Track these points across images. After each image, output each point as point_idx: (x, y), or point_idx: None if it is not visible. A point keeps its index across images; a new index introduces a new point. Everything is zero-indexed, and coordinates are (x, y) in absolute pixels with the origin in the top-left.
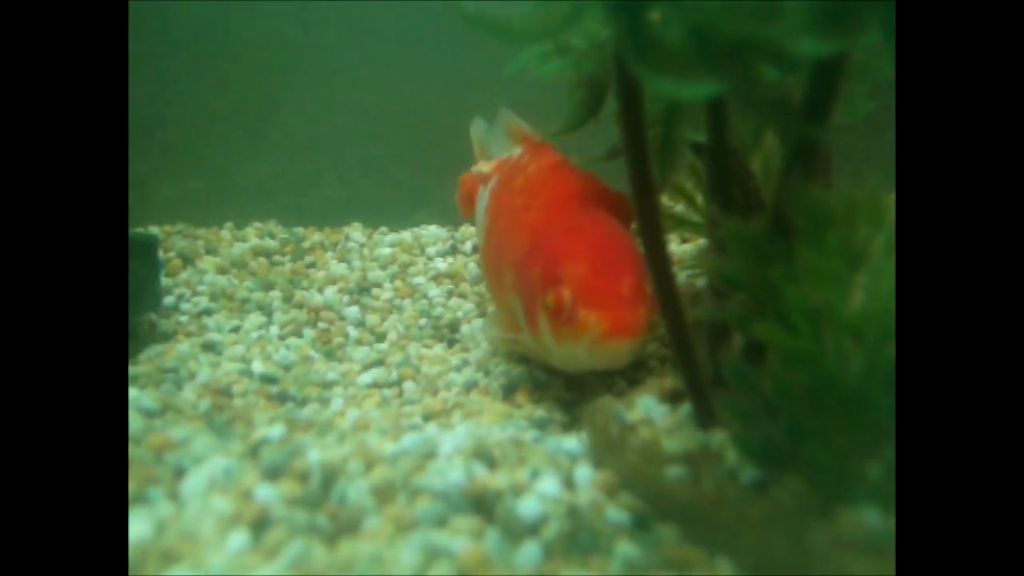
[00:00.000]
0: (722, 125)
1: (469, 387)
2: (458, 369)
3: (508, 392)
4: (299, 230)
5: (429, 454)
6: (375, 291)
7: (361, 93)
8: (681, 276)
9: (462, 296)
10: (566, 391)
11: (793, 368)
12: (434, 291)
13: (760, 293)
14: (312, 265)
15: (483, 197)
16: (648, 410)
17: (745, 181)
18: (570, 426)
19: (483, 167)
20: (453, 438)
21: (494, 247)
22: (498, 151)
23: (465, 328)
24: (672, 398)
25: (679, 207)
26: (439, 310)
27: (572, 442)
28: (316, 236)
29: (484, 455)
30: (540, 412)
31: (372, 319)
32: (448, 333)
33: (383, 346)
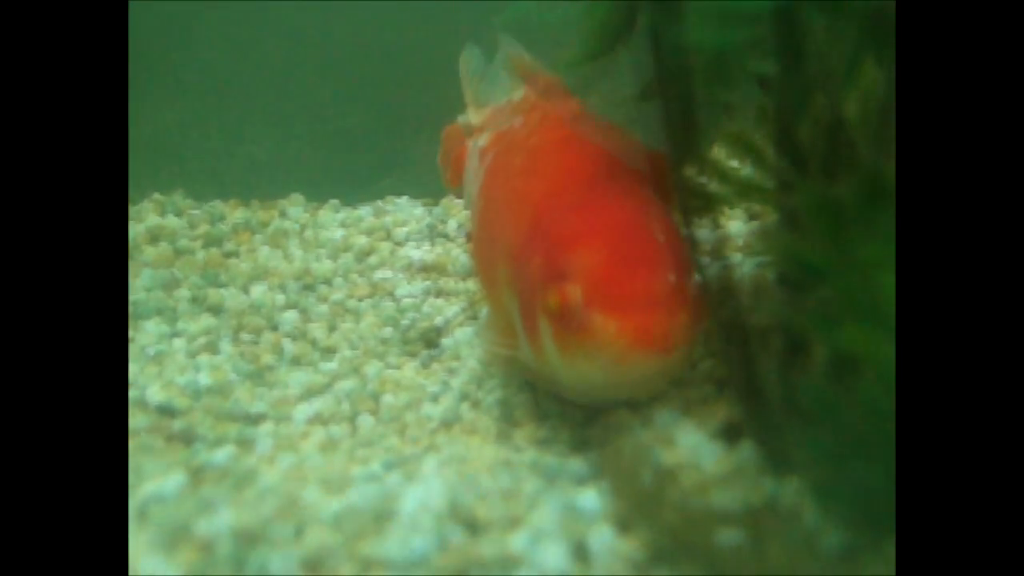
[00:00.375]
0: (796, 45)
1: (450, 422)
2: (435, 398)
3: (504, 429)
4: (216, 205)
5: (386, 513)
6: (322, 289)
7: (304, 13)
8: (746, 266)
9: (444, 296)
10: (586, 427)
11: (890, 388)
12: (405, 289)
13: (849, 284)
14: (234, 254)
15: (473, 158)
16: (695, 450)
17: (834, 129)
18: (589, 476)
19: (473, 117)
20: (421, 491)
21: (487, 229)
22: (495, 94)
23: (447, 341)
24: (728, 434)
25: (745, 169)
26: (411, 316)
27: (589, 495)
28: (240, 213)
29: (464, 514)
30: (548, 457)
31: (316, 328)
32: (423, 348)
33: (331, 366)
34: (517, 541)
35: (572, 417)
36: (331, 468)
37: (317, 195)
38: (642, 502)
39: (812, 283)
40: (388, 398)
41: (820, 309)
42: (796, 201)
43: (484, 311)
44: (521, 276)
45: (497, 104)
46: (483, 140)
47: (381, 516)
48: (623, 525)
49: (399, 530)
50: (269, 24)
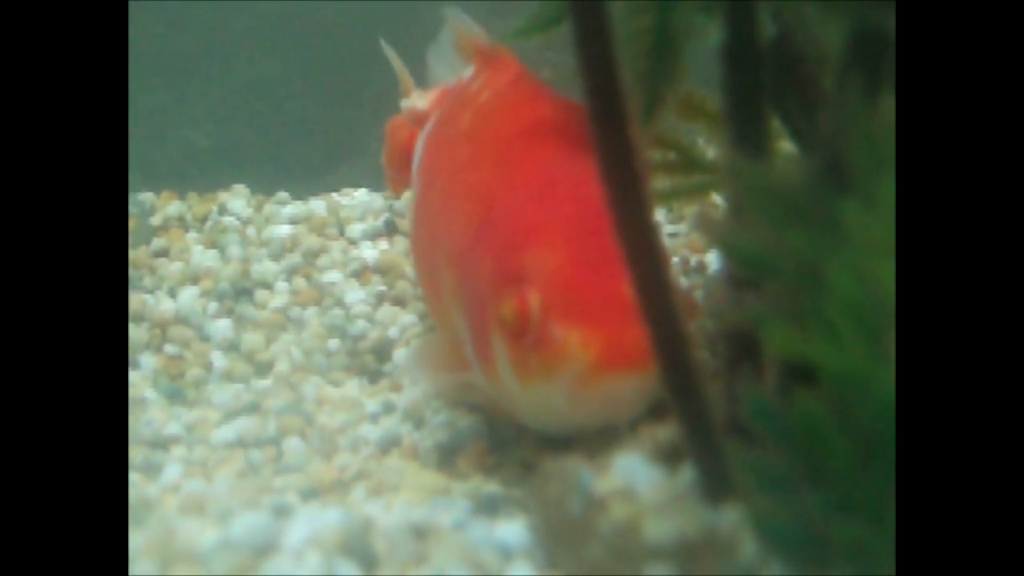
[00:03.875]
0: (747, 6)
1: (387, 446)
2: (374, 419)
3: (448, 454)
4: (147, 196)
5: (267, 547)
6: (260, 294)
7: None
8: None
9: (399, 303)
10: (541, 452)
11: (844, 401)
12: (356, 294)
13: (798, 278)
14: (163, 253)
15: (418, 151)
16: (630, 475)
17: (811, 104)
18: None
19: (418, 101)
20: (310, 522)
21: (427, 228)
22: (443, 74)
23: (400, 353)
24: (670, 456)
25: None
26: (361, 325)
27: (512, 528)
28: (173, 207)
29: (358, 548)
30: (492, 487)
31: (252, 339)
32: (373, 362)
33: (265, 383)
34: None
35: (530, 440)
36: (237, 498)
37: (263, 187)
38: (568, 534)
39: (758, 278)
40: (323, 419)
41: (766, 308)
42: (737, 183)
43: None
44: (468, 283)
45: (446, 84)
46: (429, 125)
47: (261, 550)
48: (548, 560)
49: (279, 566)
50: None
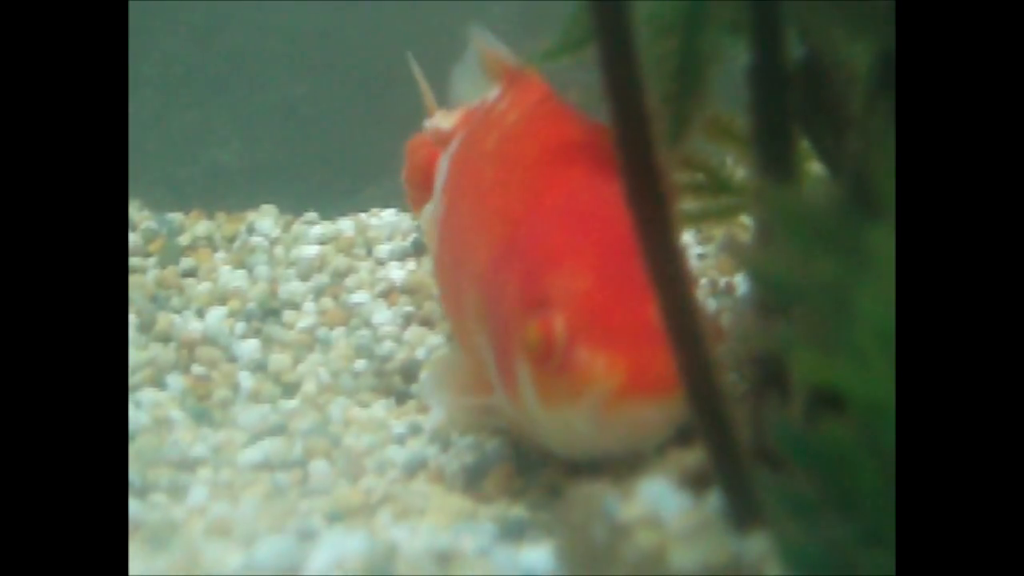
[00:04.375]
0: (774, 27)
1: (413, 469)
2: (401, 441)
3: (474, 477)
4: (175, 216)
5: (291, 571)
6: (288, 315)
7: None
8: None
9: (426, 324)
10: (568, 475)
11: (871, 428)
12: (383, 315)
13: (826, 303)
14: (191, 273)
15: (442, 170)
16: (656, 502)
17: (839, 125)
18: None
19: (442, 121)
20: (333, 548)
21: (451, 250)
22: (468, 94)
23: (428, 375)
24: (696, 483)
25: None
26: (388, 346)
27: (536, 554)
28: (202, 226)
29: (381, 574)
30: (518, 510)
31: (279, 360)
32: (400, 383)
33: (292, 403)
34: None
35: (555, 462)
36: (264, 521)
37: (292, 207)
38: (593, 561)
39: (786, 304)
40: (349, 440)
41: (795, 335)
42: (765, 207)
43: (444, 352)
44: (493, 306)
45: (470, 105)
46: (455, 146)
47: (286, 573)
48: None
49: None
50: (239, 13)
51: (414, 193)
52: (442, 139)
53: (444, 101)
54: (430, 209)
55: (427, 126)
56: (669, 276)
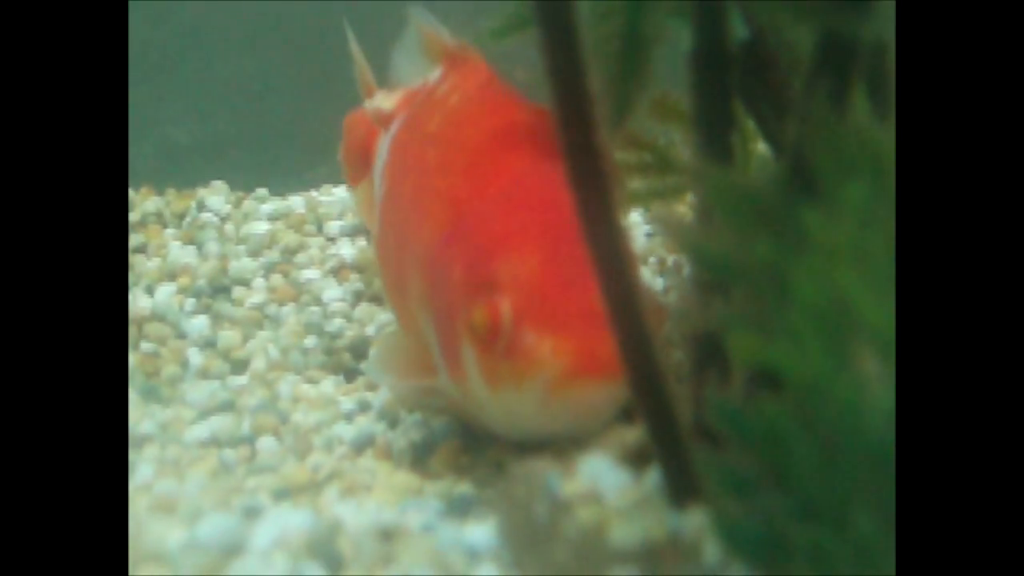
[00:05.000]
0: (716, 9)
1: (361, 446)
2: (349, 418)
3: (421, 454)
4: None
5: (234, 548)
6: (238, 292)
7: None
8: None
9: (376, 301)
10: (514, 453)
11: (806, 406)
12: (333, 292)
13: (763, 283)
14: (141, 249)
15: (382, 151)
16: (596, 478)
17: (783, 107)
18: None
19: (383, 101)
20: (276, 524)
21: (394, 232)
22: (408, 75)
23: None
24: (637, 459)
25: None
26: (338, 323)
27: (480, 530)
28: (151, 203)
29: (323, 551)
30: (464, 487)
31: (229, 337)
32: (350, 360)
33: (241, 380)
34: None
35: (502, 439)
36: (208, 498)
37: (243, 183)
38: (533, 538)
39: (725, 283)
40: (298, 417)
41: (733, 313)
42: (704, 187)
43: (387, 334)
44: (438, 290)
45: (411, 85)
46: (396, 126)
47: (228, 551)
48: (513, 564)
49: (246, 567)
50: None
51: (351, 171)
52: (383, 119)
53: (384, 81)
54: (367, 188)
55: (368, 106)
56: (609, 256)
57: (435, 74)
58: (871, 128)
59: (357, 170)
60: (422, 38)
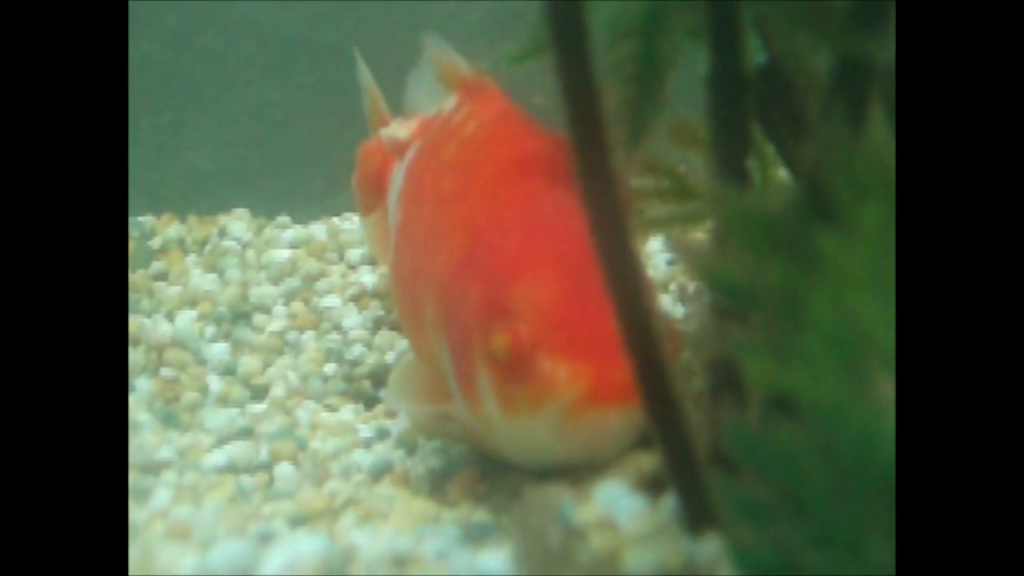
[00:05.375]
0: (733, 32)
1: (379, 473)
2: (368, 445)
3: (439, 481)
4: (148, 219)
5: (245, 571)
6: (259, 318)
7: (253, 3)
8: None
9: (397, 328)
10: (532, 480)
11: (822, 432)
12: (353, 319)
13: (779, 308)
14: (162, 276)
15: (397, 179)
16: (611, 505)
17: (802, 132)
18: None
19: (398, 130)
20: (289, 550)
21: (409, 259)
22: (422, 103)
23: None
24: (653, 486)
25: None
26: (358, 350)
27: (494, 557)
28: (173, 229)
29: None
30: (481, 514)
31: (249, 363)
32: (369, 387)
33: (260, 407)
34: None
35: (516, 466)
36: (225, 525)
37: (264, 210)
38: (548, 565)
39: (742, 309)
40: (316, 444)
41: (751, 339)
42: (720, 212)
43: (404, 362)
44: (453, 317)
45: (426, 114)
46: (410, 156)
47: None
48: None
49: None
50: (213, 16)
51: (365, 199)
52: (398, 148)
53: (399, 110)
54: (378, 218)
55: (383, 135)
56: (623, 281)
57: (450, 102)
58: (887, 151)
59: (370, 199)
60: (437, 67)
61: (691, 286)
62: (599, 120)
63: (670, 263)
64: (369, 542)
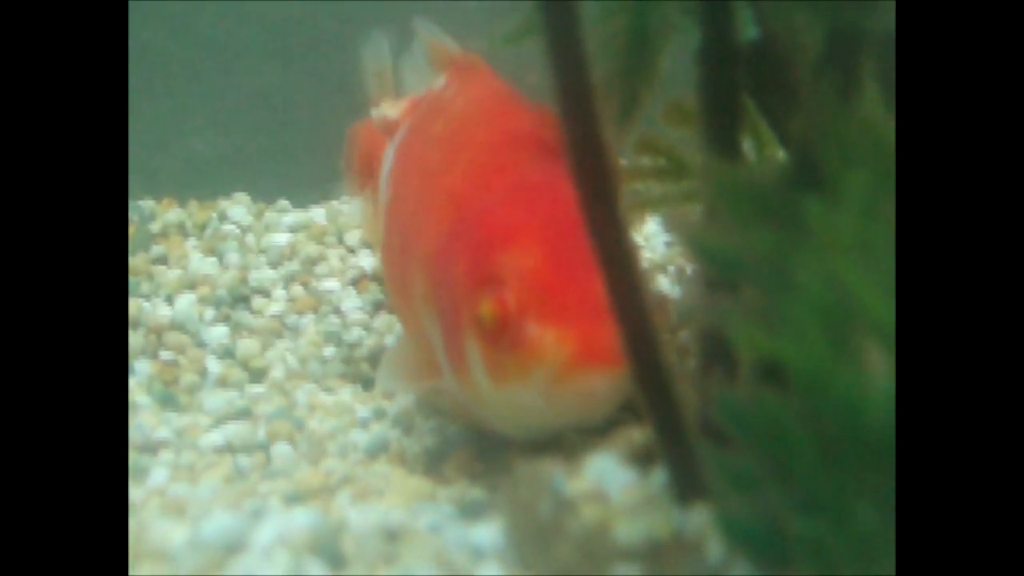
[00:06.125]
0: (724, 5)
1: (375, 452)
2: (365, 425)
3: (435, 460)
4: (148, 203)
5: (236, 546)
6: (258, 301)
7: None
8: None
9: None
10: (527, 458)
11: (808, 400)
12: (352, 302)
13: (768, 278)
14: (162, 260)
15: (388, 159)
16: (602, 477)
17: (793, 104)
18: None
19: (388, 110)
20: (279, 523)
21: (399, 234)
22: (414, 84)
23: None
24: (644, 458)
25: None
26: (357, 333)
27: (487, 531)
28: (173, 213)
29: (326, 549)
30: (476, 492)
31: (248, 346)
32: (367, 370)
33: (258, 388)
34: None
35: (516, 444)
36: (220, 502)
37: (265, 194)
38: (539, 537)
39: (731, 279)
40: (314, 424)
41: (740, 309)
42: (709, 183)
43: (394, 338)
44: (441, 287)
45: (416, 95)
46: (401, 135)
47: (230, 549)
48: (517, 562)
49: (247, 565)
50: (214, 2)
51: (356, 179)
52: (389, 128)
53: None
54: (369, 199)
55: (373, 115)
56: (612, 250)
57: (440, 82)
58: (876, 120)
59: (362, 179)
60: (427, 48)
61: (689, 268)
62: (586, 89)
63: (668, 245)
64: (361, 517)
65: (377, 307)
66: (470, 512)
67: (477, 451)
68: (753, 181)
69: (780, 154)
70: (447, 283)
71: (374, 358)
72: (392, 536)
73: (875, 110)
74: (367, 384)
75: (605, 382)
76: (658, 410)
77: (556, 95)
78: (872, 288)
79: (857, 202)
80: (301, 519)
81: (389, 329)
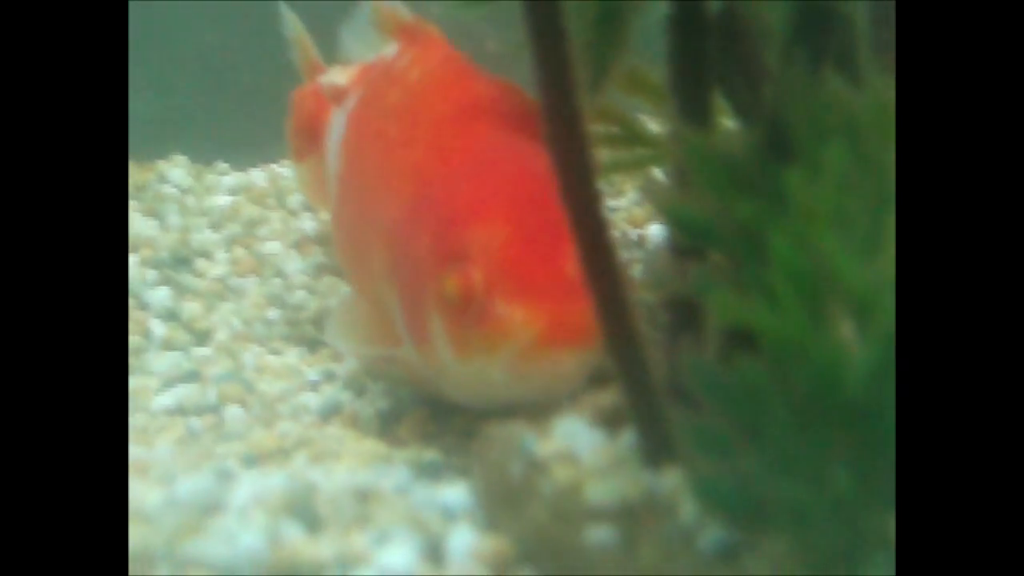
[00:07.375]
0: None
1: (328, 414)
2: (315, 387)
3: (388, 422)
4: None
5: (212, 507)
6: (200, 264)
7: None
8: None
9: (339, 273)
10: (482, 419)
11: (782, 365)
12: (295, 264)
13: (741, 246)
14: None
15: (337, 126)
16: (571, 439)
17: (755, 77)
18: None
19: (337, 77)
20: (255, 484)
21: (353, 206)
22: (357, 51)
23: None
24: (611, 421)
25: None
26: (300, 295)
27: (455, 492)
28: None
29: (302, 510)
30: (432, 454)
31: (191, 308)
32: (313, 332)
33: (204, 351)
34: (362, 539)
35: (466, 408)
36: (179, 464)
37: (203, 156)
38: (509, 497)
39: (701, 247)
40: (263, 386)
41: (709, 276)
42: (682, 153)
43: (342, 302)
44: (403, 261)
45: (366, 61)
46: (351, 103)
47: (207, 510)
48: (490, 523)
49: (225, 525)
50: None
51: (298, 144)
52: (336, 94)
53: (331, 60)
54: (314, 165)
55: (321, 81)
56: (587, 219)
57: (391, 49)
58: (848, 94)
59: (305, 144)
60: (376, 14)
61: (634, 232)
62: (565, 60)
63: (612, 210)
64: (326, 479)
65: (320, 270)
66: (428, 474)
67: (430, 413)
68: (727, 151)
69: (729, 123)
70: (410, 256)
71: (319, 321)
72: (363, 497)
73: (846, 85)
74: (312, 346)
75: (572, 360)
76: (628, 373)
77: (535, 65)
78: (848, 257)
79: (834, 174)
80: (274, 480)
81: (333, 292)
